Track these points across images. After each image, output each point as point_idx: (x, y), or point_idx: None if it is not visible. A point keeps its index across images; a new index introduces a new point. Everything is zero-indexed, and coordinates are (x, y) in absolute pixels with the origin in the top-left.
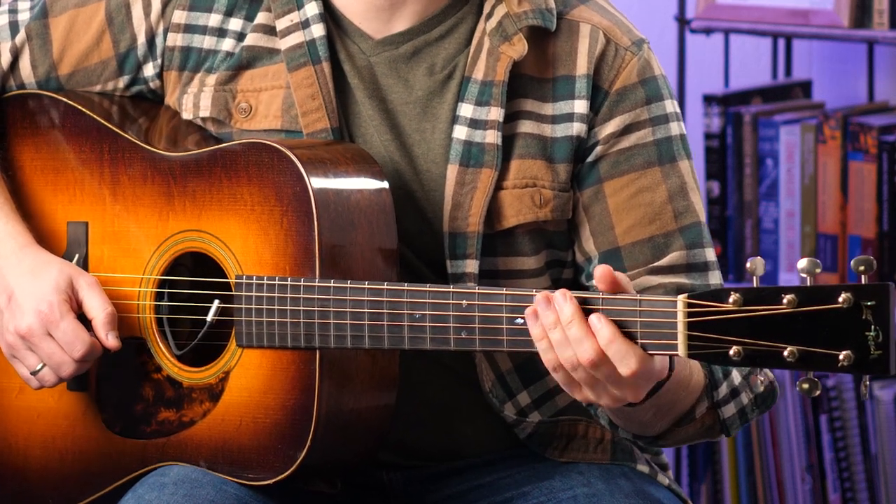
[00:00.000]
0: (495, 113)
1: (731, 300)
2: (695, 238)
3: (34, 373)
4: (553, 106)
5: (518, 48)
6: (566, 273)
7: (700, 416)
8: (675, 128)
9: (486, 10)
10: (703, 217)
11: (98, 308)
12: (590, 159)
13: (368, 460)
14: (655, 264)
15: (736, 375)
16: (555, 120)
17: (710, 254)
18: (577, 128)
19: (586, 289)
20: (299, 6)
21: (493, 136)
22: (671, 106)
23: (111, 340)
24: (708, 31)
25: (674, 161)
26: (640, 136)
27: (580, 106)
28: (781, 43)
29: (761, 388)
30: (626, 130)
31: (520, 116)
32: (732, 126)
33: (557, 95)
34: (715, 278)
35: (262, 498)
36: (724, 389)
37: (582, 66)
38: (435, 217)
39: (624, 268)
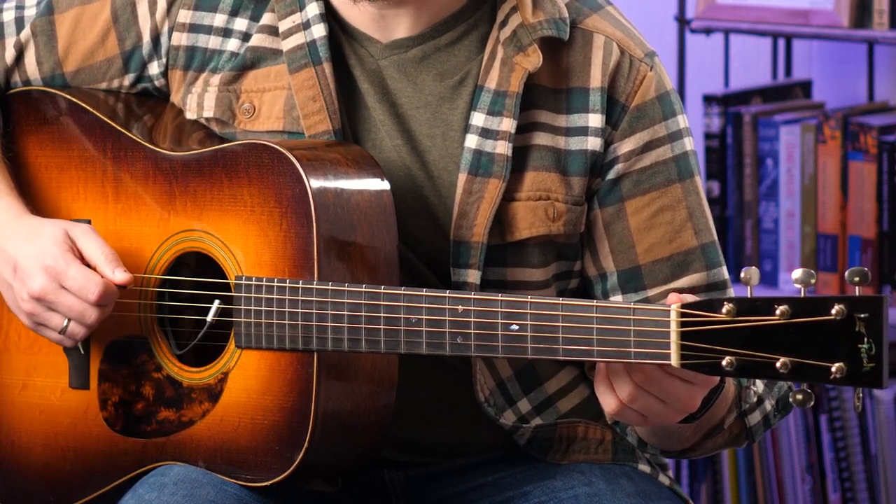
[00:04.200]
0: (507, 124)
1: (724, 310)
2: (713, 257)
3: (62, 331)
4: (567, 118)
5: (533, 59)
6: (572, 283)
7: (728, 427)
8: (688, 143)
9: (500, 18)
10: (715, 234)
11: (96, 251)
12: (610, 177)
13: (369, 460)
14: (675, 284)
15: (759, 383)
16: (569, 132)
17: (726, 271)
18: (593, 142)
19: (593, 297)
20: (301, 7)
21: (503, 147)
22: (683, 121)
23: (119, 276)
24: (708, 31)
25: (692, 177)
26: (660, 154)
27: (595, 120)
28: (781, 43)
29: (754, 399)
30: (647, 148)
31: (535, 128)
32: (732, 126)
33: (571, 108)
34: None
35: (261, 498)
36: (750, 397)
37: (596, 78)
38: (445, 224)
39: (644, 285)
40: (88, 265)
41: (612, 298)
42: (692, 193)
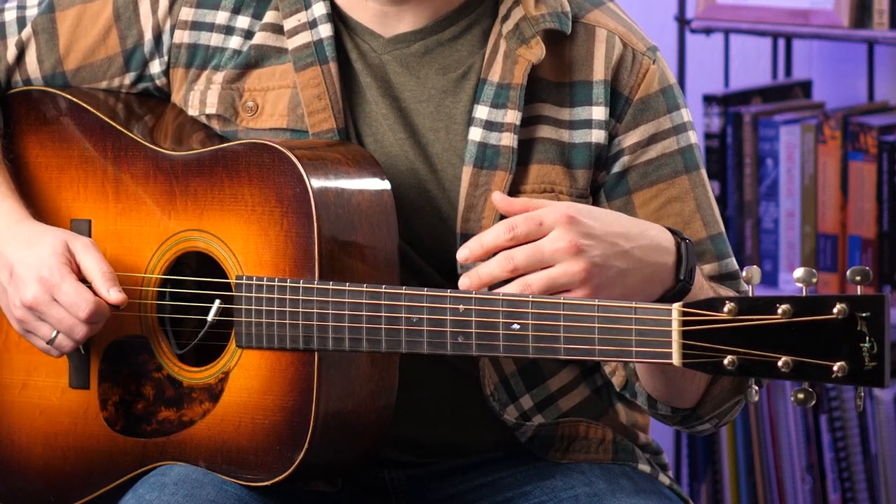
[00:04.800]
0: (512, 116)
1: (725, 309)
2: (723, 248)
3: (50, 342)
4: (570, 111)
5: (536, 51)
6: None
7: None
8: (692, 136)
9: (502, 12)
10: (723, 226)
11: (94, 268)
12: (616, 170)
13: (369, 460)
14: None
15: None
16: (572, 125)
17: (735, 262)
18: (597, 135)
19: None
20: (307, 6)
21: (508, 139)
22: (687, 115)
23: (113, 295)
24: (708, 31)
25: (697, 169)
26: (666, 146)
27: (598, 112)
28: (781, 43)
29: (756, 398)
30: (652, 140)
31: (539, 121)
32: (732, 126)
33: (575, 101)
34: (742, 286)
35: (262, 498)
36: (752, 396)
37: (599, 71)
38: (450, 217)
39: None
40: (85, 280)
41: None
42: (699, 185)
